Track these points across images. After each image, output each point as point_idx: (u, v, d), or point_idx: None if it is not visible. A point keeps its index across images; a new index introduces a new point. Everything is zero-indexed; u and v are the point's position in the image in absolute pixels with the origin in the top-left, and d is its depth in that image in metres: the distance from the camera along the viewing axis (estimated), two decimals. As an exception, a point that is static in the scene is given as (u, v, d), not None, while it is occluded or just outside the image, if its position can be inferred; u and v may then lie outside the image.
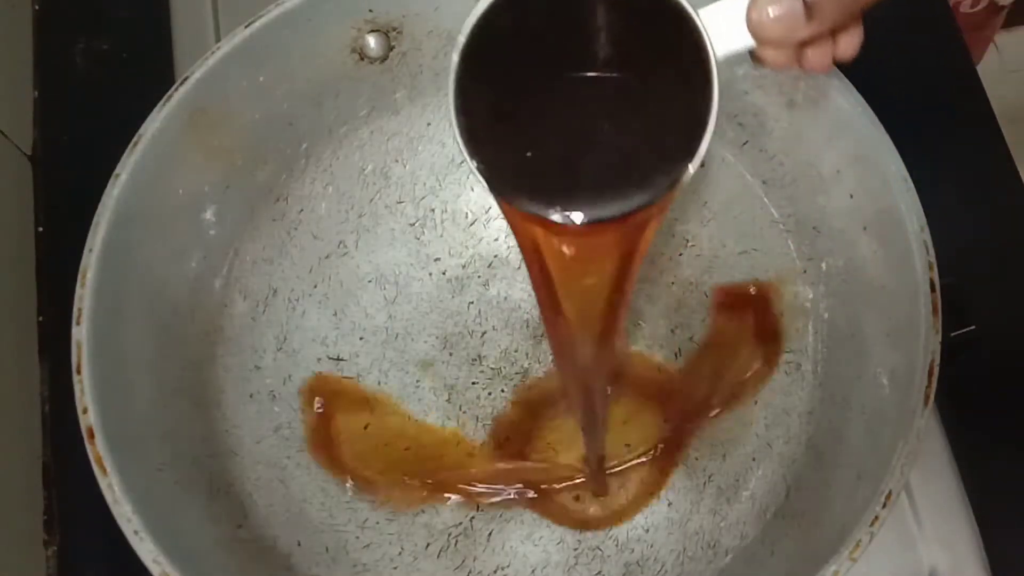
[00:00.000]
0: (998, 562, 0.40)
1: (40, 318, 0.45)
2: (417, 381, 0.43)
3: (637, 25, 0.26)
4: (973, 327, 0.38)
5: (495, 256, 0.45)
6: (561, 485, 0.41)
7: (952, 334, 0.35)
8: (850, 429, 0.38)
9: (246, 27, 0.38)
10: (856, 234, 0.39)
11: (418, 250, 0.45)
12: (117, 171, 0.36)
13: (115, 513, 0.32)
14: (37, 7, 0.51)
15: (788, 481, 0.39)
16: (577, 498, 0.41)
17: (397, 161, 0.45)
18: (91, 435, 0.33)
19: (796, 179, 0.42)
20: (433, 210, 0.45)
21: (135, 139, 0.37)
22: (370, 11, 0.40)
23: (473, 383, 0.43)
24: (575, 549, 0.40)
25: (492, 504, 0.40)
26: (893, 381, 0.36)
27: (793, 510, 0.38)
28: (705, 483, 0.40)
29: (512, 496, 0.40)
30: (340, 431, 0.41)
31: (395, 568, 0.39)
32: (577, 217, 0.26)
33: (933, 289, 0.35)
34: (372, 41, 0.41)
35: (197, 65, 0.38)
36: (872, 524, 0.32)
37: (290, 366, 0.42)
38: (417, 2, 0.41)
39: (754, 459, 0.40)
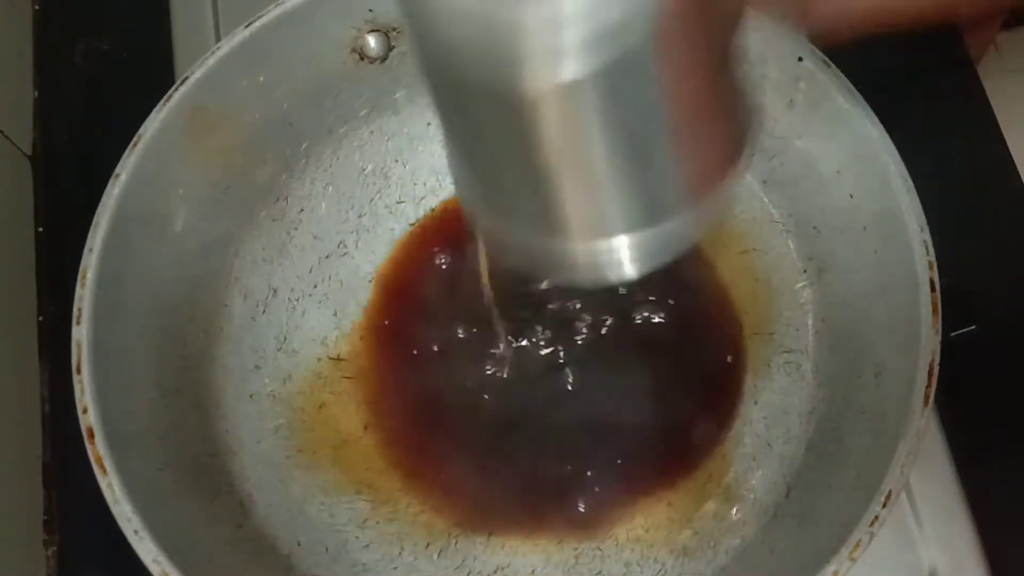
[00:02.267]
0: (998, 562, 0.40)
1: (40, 318, 0.45)
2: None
3: None
4: (973, 327, 0.38)
5: (495, 256, 0.45)
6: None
7: (952, 334, 0.36)
8: (850, 429, 0.38)
9: (246, 27, 0.38)
10: (856, 234, 0.39)
11: (418, 250, 0.45)
12: (117, 171, 0.36)
13: (115, 513, 0.32)
14: (37, 7, 0.51)
15: (788, 481, 0.39)
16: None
17: (397, 161, 0.45)
18: (91, 435, 0.33)
19: (796, 179, 0.42)
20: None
21: (135, 139, 0.37)
22: (370, 11, 0.40)
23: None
24: (575, 549, 0.40)
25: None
26: (893, 381, 0.36)
27: (793, 510, 0.38)
28: (705, 483, 0.40)
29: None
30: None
31: (395, 568, 0.39)
32: None
33: (933, 289, 0.35)
34: (372, 41, 0.41)
35: (197, 65, 0.38)
36: (872, 524, 0.32)
37: (290, 366, 0.42)
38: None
39: (754, 459, 0.40)
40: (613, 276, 0.24)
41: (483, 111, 0.20)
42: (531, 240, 0.23)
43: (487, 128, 0.21)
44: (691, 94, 0.21)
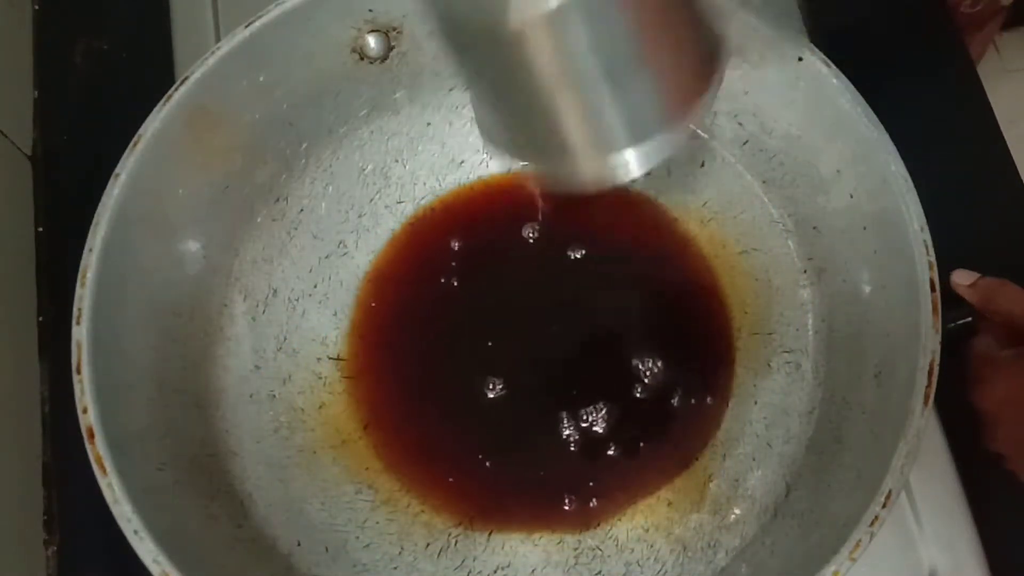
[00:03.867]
0: (998, 562, 0.40)
1: (40, 318, 0.45)
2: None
3: None
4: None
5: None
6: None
7: (949, 324, 0.35)
8: (850, 429, 0.38)
9: (246, 27, 0.38)
10: (856, 234, 0.39)
11: (418, 250, 0.45)
12: (117, 171, 0.36)
13: (115, 513, 0.32)
14: (37, 7, 0.51)
15: (788, 481, 0.39)
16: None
17: (397, 161, 0.45)
18: (91, 435, 0.33)
19: (796, 179, 0.42)
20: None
21: (135, 139, 0.37)
22: (370, 11, 0.40)
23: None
24: (575, 549, 0.40)
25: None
26: (893, 381, 0.36)
27: (793, 510, 0.38)
28: (705, 483, 0.40)
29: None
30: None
31: (395, 568, 0.39)
32: None
33: (933, 289, 0.35)
34: (372, 41, 0.41)
35: (197, 65, 0.38)
36: (872, 524, 0.32)
37: (290, 366, 0.42)
38: (417, 2, 0.41)
39: (754, 459, 0.40)
40: (615, 180, 0.27)
41: (487, 51, 0.25)
42: (544, 162, 0.28)
43: (493, 65, 0.26)
44: (650, 19, 0.24)
